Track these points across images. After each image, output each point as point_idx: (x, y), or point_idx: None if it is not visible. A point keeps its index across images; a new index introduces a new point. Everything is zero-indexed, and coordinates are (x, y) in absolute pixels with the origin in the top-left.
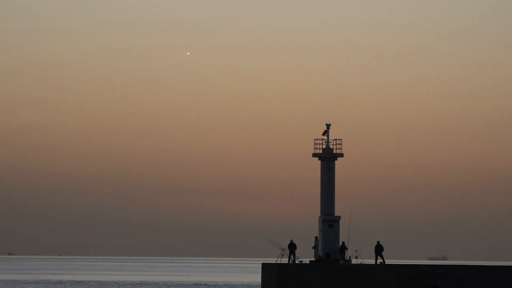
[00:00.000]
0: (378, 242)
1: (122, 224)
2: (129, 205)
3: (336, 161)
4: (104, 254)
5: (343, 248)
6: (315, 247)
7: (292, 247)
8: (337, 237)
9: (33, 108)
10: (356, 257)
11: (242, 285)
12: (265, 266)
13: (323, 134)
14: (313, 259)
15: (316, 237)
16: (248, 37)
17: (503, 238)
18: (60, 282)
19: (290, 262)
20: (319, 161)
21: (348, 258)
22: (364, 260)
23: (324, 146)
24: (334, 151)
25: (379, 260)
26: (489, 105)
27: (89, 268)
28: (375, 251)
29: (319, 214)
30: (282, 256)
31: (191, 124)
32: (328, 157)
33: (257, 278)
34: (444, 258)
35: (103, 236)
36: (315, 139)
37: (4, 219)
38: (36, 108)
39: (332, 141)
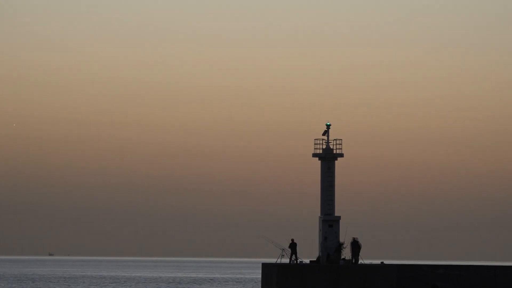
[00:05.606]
0: (354, 239)
1: (126, 225)
2: (130, 205)
3: (336, 161)
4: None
5: (339, 247)
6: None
7: (293, 246)
8: (337, 237)
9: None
10: None
11: (243, 280)
12: (265, 266)
13: (323, 134)
14: (313, 259)
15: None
16: (247, 36)
17: (503, 238)
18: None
19: (293, 260)
20: (319, 161)
21: (344, 257)
22: (364, 260)
23: (324, 146)
24: (334, 151)
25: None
26: (491, 106)
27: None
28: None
29: (319, 214)
30: (282, 256)
31: (190, 125)
32: (328, 157)
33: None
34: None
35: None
36: (315, 139)
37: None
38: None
39: (332, 141)
